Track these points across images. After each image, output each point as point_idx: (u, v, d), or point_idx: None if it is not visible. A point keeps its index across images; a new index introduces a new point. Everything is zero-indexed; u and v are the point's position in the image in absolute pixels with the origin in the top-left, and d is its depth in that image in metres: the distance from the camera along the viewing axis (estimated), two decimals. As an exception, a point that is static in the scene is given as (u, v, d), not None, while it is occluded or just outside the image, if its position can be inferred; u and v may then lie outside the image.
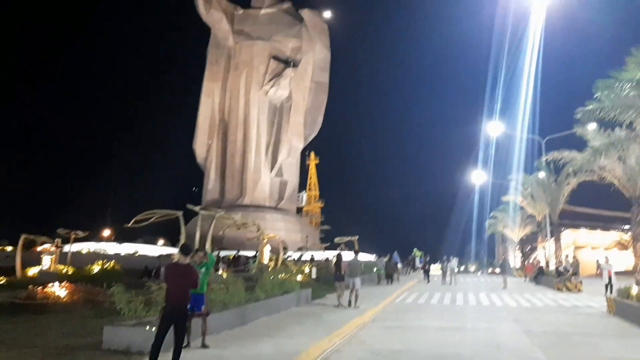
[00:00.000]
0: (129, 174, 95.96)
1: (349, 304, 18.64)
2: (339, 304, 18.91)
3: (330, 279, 26.08)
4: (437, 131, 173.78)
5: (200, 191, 54.24)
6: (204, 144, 53.67)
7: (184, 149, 59.89)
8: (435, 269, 50.58)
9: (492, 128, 51.58)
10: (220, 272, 24.17)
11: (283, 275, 19.34)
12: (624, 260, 48.22)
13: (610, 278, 25.26)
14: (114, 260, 28.39)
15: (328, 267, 31.15)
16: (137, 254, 39.82)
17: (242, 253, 37.67)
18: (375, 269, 37.13)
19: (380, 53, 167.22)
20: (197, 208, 24.40)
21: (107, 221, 59.88)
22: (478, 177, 64.53)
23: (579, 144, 25.45)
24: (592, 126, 22.92)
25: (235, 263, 33.49)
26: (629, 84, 16.02)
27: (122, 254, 38.14)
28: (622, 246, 56.47)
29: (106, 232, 56.99)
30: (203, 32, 55.44)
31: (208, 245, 22.63)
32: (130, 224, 23.82)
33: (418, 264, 52.27)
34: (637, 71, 15.14)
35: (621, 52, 15.99)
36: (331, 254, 36.31)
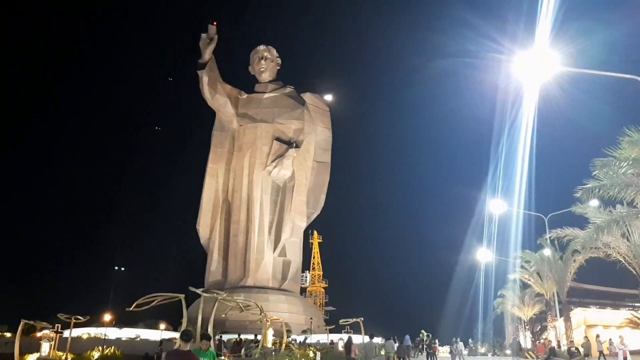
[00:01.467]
0: (130, 257, 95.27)
1: None
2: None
3: (335, 363, 25.47)
4: (440, 209, 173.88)
5: (202, 269, 53.78)
6: (207, 224, 53.82)
7: (186, 229, 60.02)
8: (443, 351, 49.32)
9: (494, 206, 51.78)
10: (222, 357, 23.58)
11: (287, 360, 18.89)
12: (637, 339, 46.91)
13: (625, 359, 24.65)
14: (114, 346, 27.75)
15: (333, 351, 30.42)
16: (138, 339, 38.91)
17: (245, 336, 36.81)
18: (383, 352, 36.23)
19: (381, 134, 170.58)
20: (199, 290, 24.13)
21: (108, 305, 58.94)
22: (482, 254, 63.97)
23: (583, 220, 25.45)
24: (594, 203, 23.07)
25: (237, 347, 32.64)
26: (626, 163, 16.32)
27: (123, 339, 37.27)
28: (635, 324, 54.95)
29: (107, 317, 55.94)
30: (208, 115, 57.11)
31: (210, 329, 22.24)
32: (131, 308, 23.53)
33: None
34: (632, 150, 15.48)
35: (615, 132, 16.40)
36: (336, 337, 35.47)
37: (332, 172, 59.30)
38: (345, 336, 35.24)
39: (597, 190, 17.55)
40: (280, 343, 29.80)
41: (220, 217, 53.93)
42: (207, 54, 51.51)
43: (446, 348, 50.45)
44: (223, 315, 38.52)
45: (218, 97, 53.69)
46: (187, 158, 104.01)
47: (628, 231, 21.67)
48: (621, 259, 23.40)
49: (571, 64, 22.44)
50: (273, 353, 25.46)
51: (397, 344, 37.21)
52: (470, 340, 67.56)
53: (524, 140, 51.05)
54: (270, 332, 31.53)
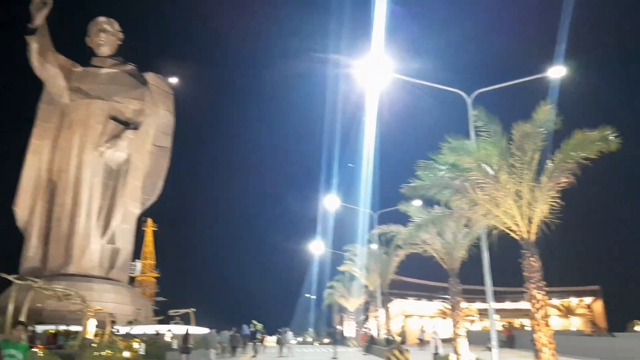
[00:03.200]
0: None
1: None
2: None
3: (161, 354, 24.81)
4: (279, 203, 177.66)
5: (18, 254, 48.83)
6: (26, 206, 48.78)
7: (1, 210, 54.01)
8: (272, 340, 50.37)
9: (329, 201, 53.84)
10: (36, 350, 21.64)
11: (108, 352, 17.91)
12: (447, 328, 52.11)
13: (436, 347, 27.40)
14: None
15: (159, 342, 29.59)
16: None
17: (63, 328, 34.19)
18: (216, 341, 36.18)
19: (225, 125, 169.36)
20: (11, 277, 21.96)
21: None
22: (316, 247, 66.40)
23: (407, 218, 27.55)
24: (417, 202, 25.10)
25: (54, 339, 30.18)
26: (445, 167, 17.98)
27: None
28: (445, 315, 61.25)
29: None
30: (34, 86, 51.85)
31: (23, 319, 20.28)
32: None
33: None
34: (451, 156, 17.07)
35: (441, 139, 17.93)
36: (164, 328, 34.51)
37: (172, 158, 57.34)
38: (173, 327, 34.57)
39: (419, 189, 19.11)
40: (103, 334, 28.14)
41: (42, 198, 49.29)
42: (39, 18, 46.41)
43: (274, 338, 51.57)
44: (39, 305, 35.46)
45: (48, 66, 48.80)
46: (7, 131, 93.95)
47: (442, 230, 23.99)
48: (435, 255, 25.77)
49: (406, 72, 24.19)
50: (93, 345, 23.92)
51: (230, 334, 37.81)
52: (310, 329, 69.98)
53: (366, 141, 54.34)
54: (92, 323, 29.62)
